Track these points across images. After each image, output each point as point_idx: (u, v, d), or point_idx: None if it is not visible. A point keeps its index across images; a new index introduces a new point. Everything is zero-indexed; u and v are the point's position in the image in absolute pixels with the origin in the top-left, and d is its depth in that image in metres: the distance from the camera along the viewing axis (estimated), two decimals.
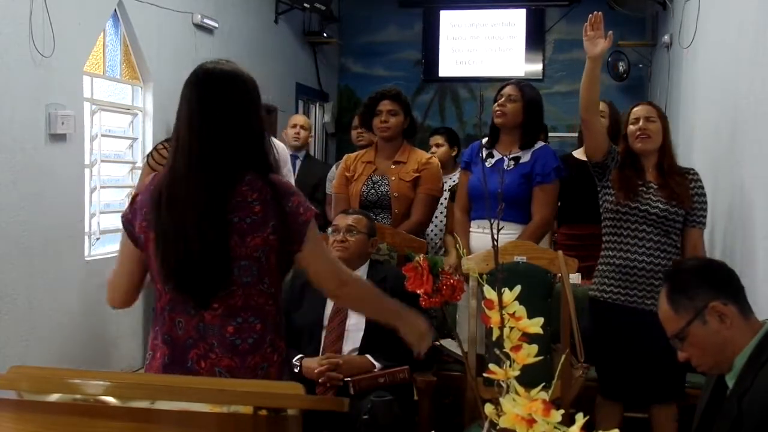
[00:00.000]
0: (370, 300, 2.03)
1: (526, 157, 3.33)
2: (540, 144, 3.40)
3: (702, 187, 2.99)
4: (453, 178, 4.24)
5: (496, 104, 3.37)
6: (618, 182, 2.98)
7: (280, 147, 4.38)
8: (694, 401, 3.10)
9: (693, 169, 3.06)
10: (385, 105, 3.60)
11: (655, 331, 2.88)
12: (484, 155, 3.37)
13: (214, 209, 1.78)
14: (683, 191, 2.93)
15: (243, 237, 1.79)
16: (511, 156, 3.33)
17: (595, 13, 2.90)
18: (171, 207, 1.81)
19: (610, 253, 3.01)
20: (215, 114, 1.83)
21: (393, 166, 3.61)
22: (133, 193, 1.98)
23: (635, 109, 3.05)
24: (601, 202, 3.08)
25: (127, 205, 1.96)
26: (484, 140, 3.48)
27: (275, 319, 1.89)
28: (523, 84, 3.44)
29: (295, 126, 5.09)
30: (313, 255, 1.90)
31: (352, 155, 3.79)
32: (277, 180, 1.86)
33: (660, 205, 2.92)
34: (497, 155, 3.37)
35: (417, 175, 3.58)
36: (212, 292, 1.80)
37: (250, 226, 1.79)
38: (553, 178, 3.32)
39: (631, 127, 2.99)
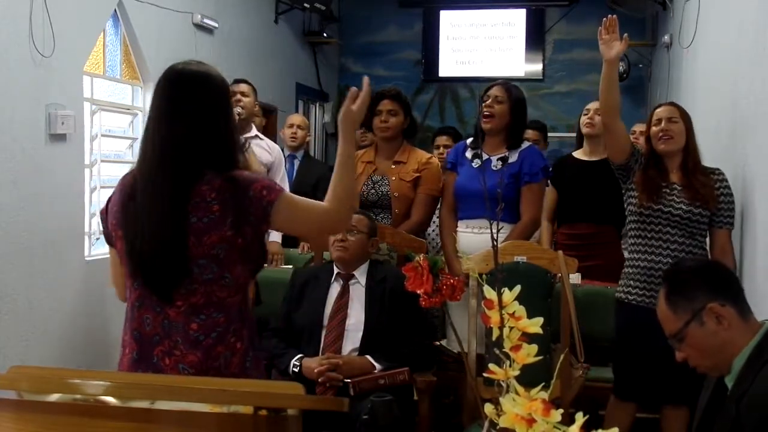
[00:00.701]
0: (349, 186, 1.98)
1: (513, 157, 3.35)
2: (526, 144, 3.43)
3: (728, 187, 2.94)
4: None
5: (483, 105, 3.38)
6: (641, 184, 2.95)
7: (275, 149, 4.37)
8: None
9: (719, 169, 3.00)
10: (385, 105, 3.60)
11: None
12: (470, 156, 3.39)
13: (173, 208, 1.82)
14: (708, 192, 2.89)
15: (200, 237, 1.81)
16: (498, 156, 3.35)
17: (610, 16, 2.88)
18: (135, 205, 1.86)
19: (636, 255, 2.98)
20: (180, 114, 1.86)
21: (393, 166, 3.61)
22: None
23: (657, 110, 3.03)
24: (625, 205, 3.06)
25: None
26: (469, 140, 3.50)
27: (239, 308, 1.90)
28: (509, 84, 3.46)
29: (291, 126, 5.07)
30: (287, 224, 1.96)
31: None
32: (238, 175, 1.87)
33: (684, 207, 2.88)
34: (484, 156, 3.38)
35: (417, 175, 3.58)
36: (172, 286, 1.83)
37: (207, 226, 1.81)
38: (540, 177, 3.36)
39: (654, 129, 2.97)
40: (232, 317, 1.87)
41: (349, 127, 1.98)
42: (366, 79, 2.00)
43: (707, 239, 2.99)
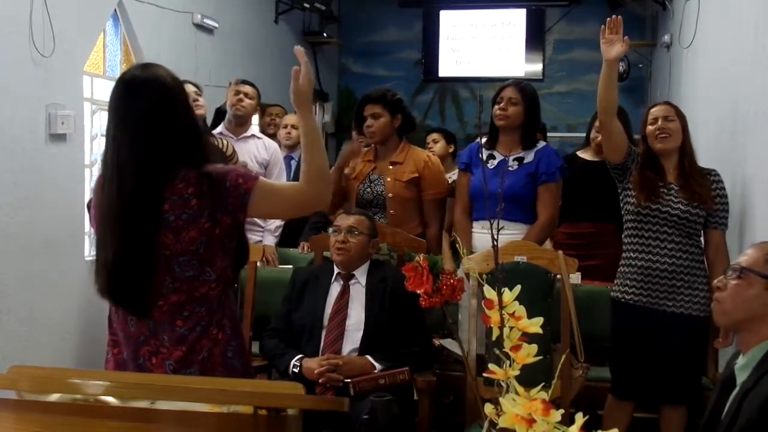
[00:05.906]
0: (320, 160, 1.98)
1: (529, 157, 3.33)
2: (542, 144, 3.41)
3: (723, 188, 2.96)
4: (451, 176, 4.22)
5: (497, 107, 3.35)
6: (639, 184, 2.95)
7: (273, 146, 4.40)
8: (706, 403, 3.11)
9: (714, 170, 3.00)
10: (368, 109, 3.59)
11: (675, 333, 2.88)
12: (485, 156, 3.37)
13: (131, 215, 1.81)
14: (705, 192, 2.89)
15: (177, 234, 1.81)
16: (514, 156, 3.33)
17: (615, 16, 2.87)
18: (98, 217, 1.88)
19: (632, 254, 2.99)
20: (126, 120, 1.87)
21: (390, 167, 3.60)
22: None
23: (653, 109, 3.03)
24: (622, 204, 3.06)
25: None
26: (483, 140, 3.48)
27: (220, 298, 1.91)
28: (522, 84, 3.43)
29: (286, 126, 5.09)
30: (265, 210, 2.04)
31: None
32: (213, 168, 1.89)
33: (681, 207, 2.89)
34: (499, 156, 3.36)
35: (415, 175, 3.56)
36: (144, 300, 1.83)
37: (185, 222, 1.82)
38: (558, 177, 3.34)
39: (650, 128, 2.97)
40: (213, 309, 1.88)
41: (303, 103, 2.03)
42: (297, 49, 2.03)
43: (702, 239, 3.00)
